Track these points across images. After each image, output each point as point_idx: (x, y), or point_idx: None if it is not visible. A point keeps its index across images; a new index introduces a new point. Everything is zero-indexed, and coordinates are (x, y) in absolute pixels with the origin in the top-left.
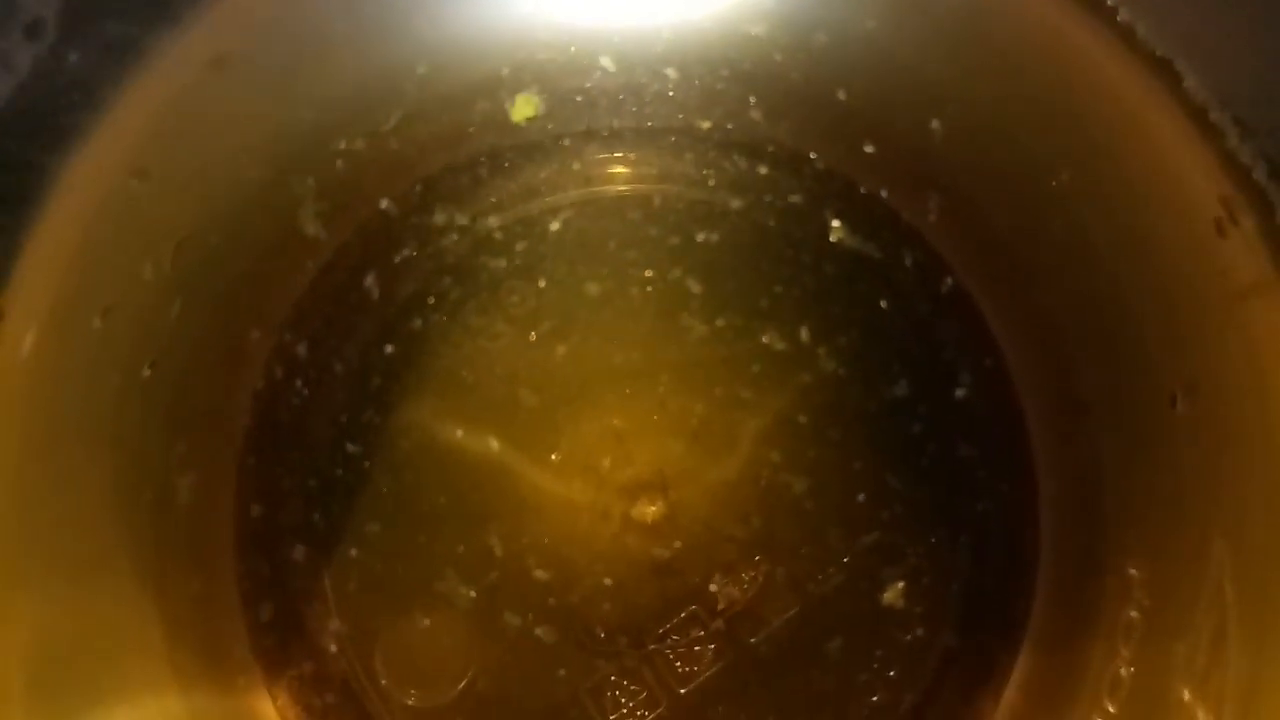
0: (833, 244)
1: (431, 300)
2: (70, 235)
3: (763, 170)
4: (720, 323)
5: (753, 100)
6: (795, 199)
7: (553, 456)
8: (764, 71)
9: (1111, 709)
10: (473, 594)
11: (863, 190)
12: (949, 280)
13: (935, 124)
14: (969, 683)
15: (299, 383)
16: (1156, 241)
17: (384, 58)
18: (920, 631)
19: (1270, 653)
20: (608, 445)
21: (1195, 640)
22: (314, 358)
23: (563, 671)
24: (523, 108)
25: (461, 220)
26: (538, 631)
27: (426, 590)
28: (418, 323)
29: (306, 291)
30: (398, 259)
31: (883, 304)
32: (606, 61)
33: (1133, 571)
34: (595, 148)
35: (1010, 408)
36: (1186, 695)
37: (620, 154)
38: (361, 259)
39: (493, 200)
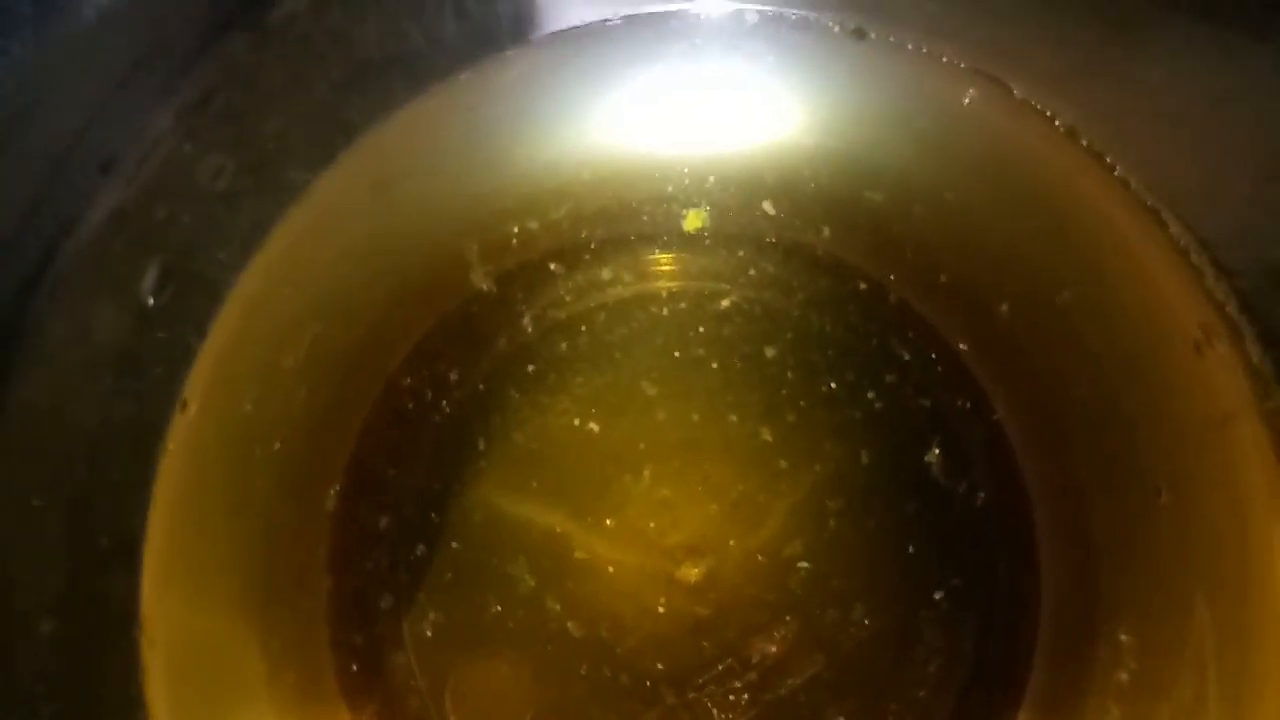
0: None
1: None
2: (232, 335)
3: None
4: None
5: (892, 278)
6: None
7: (608, 522)
8: (891, 239)
9: None
10: (534, 642)
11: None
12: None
13: (1004, 308)
14: None
15: (393, 445)
16: (1145, 357)
17: (554, 158)
18: (932, 689)
19: (1245, 713)
20: (657, 514)
21: (1179, 701)
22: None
23: (612, 715)
24: (694, 220)
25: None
26: (590, 678)
27: (492, 638)
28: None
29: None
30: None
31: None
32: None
33: (1123, 637)
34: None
35: (1020, 501)
36: None
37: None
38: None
39: (565, 294)
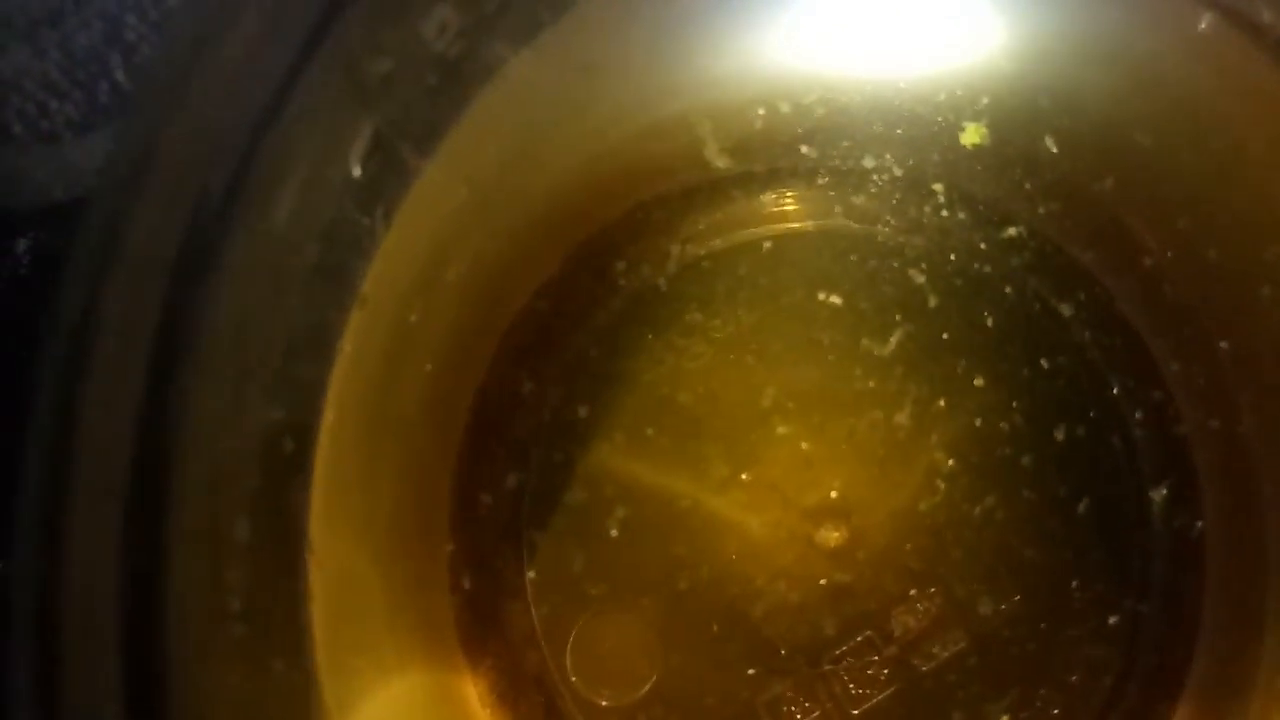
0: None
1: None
2: (409, 229)
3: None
4: (916, 365)
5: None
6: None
7: (743, 476)
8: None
9: None
10: (661, 602)
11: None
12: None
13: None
14: None
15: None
16: None
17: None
18: (1085, 675)
19: None
20: (796, 469)
21: None
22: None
23: (741, 683)
24: (972, 135)
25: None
26: (720, 643)
27: (617, 594)
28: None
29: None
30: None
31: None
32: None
33: None
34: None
35: (1183, 457)
36: None
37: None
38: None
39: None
